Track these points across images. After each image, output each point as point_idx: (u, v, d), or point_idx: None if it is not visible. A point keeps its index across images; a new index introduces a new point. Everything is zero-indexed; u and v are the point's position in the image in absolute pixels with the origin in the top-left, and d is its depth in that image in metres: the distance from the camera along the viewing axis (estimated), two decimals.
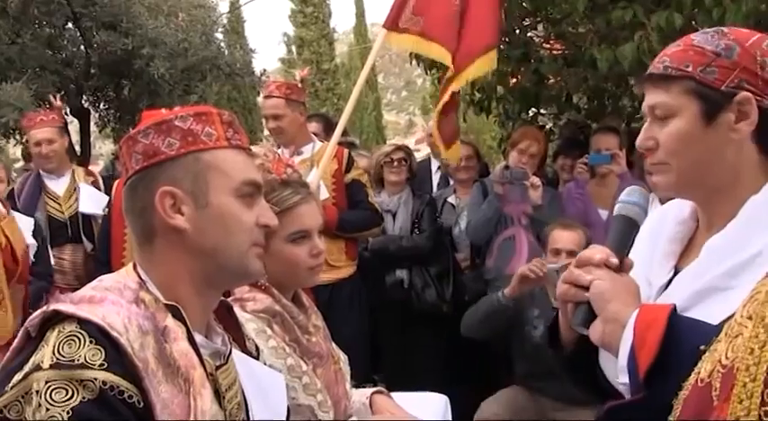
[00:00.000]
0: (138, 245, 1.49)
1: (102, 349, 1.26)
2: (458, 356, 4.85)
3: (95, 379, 1.23)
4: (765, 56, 1.50)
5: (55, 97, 5.95)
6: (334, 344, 2.47)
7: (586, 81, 5.90)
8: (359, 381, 3.00)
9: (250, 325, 2.12)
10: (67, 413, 1.20)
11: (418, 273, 5.06)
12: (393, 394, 2.59)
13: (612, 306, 1.44)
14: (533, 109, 6.75)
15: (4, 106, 7.52)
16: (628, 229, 1.61)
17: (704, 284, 1.50)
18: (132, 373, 1.27)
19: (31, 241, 4.07)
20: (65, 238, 5.11)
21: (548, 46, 6.39)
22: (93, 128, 10.97)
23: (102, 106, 10.60)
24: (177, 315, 1.41)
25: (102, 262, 4.61)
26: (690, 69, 1.52)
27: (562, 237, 3.97)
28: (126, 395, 1.25)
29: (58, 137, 5.16)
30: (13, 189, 5.35)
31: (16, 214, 4.65)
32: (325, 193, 4.50)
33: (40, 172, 5.26)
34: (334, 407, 2.24)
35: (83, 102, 10.24)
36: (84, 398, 1.21)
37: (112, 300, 1.35)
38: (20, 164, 10.10)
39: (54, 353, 1.25)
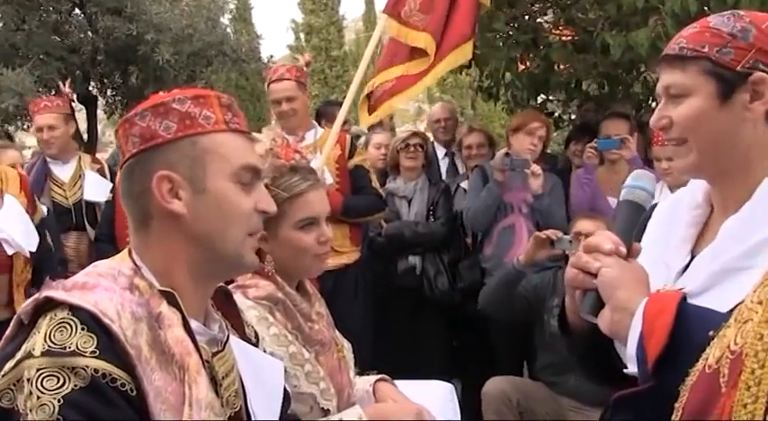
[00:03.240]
0: (134, 229, 1.46)
1: (93, 336, 1.24)
2: (466, 345, 4.84)
3: (87, 366, 1.21)
4: None
5: (64, 83, 5.91)
6: (337, 332, 2.45)
7: (596, 67, 5.84)
8: (364, 368, 2.98)
9: (251, 312, 2.10)
10: (59, 401, 1.19)
11: (431, 260, 5.06)
12: (398, 382, 2.57)
13: (621, 294, 1.42)
14: (542, 96, 6.69)
15: (5, 92, 7.50)
16: (635, 215, 1.59)
17: (721, 266, 1.51)
18: (125, 361, 1.25)
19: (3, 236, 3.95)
20: (69, 225, 5.08)
21: (557, 32, 6.33)
22: (101, 114, 10.98)
23: (109, 93, 10.60)
24: (172, 301, 1.39)
25: (103, 249, 4.59)
26: (706, 50, 1.55)
27: (584, 224, 3.95)
28: (119, 383, 1.23)
29: (61, 123, 5.12)
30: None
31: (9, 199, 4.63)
32: (329, 179, 4.50)
33: (47, 158, 5.24)
34: (337, 395, 2.22)
35: (90, 88, 10.24)
36: (75, 385, 1.20)
37: (105, 286, 1.34)
38: (27, 150, 10.10)
39: (46, 341, 1.23)
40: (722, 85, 1.54)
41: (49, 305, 1.29)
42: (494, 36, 5.89)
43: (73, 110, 5.21)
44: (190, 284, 1.45)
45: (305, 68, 4.77)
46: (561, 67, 6.21)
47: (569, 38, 6.08)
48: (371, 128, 6.15)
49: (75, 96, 9.73)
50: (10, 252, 3.79)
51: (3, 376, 1.24)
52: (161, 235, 1.43)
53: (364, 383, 2.42)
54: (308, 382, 2.12)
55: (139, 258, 1.44)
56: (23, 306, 1.32)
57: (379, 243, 5.15)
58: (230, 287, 2.19)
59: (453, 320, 4.99)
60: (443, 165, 6.16)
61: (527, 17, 6.10)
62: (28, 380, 1.21)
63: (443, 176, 5.99)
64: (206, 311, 1.53)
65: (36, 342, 1.24)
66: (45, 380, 1.20)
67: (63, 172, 5.21)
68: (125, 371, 1.24)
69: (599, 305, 1.47)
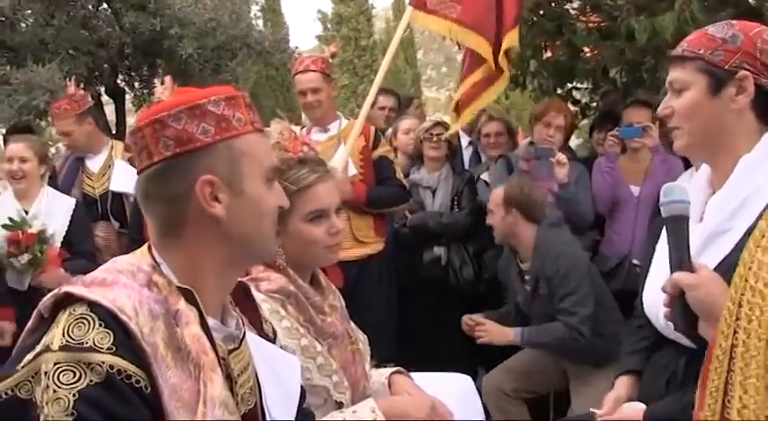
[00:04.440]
0: (158, 230, 1.46)
1: (110, 332, 1.26)
2: None
3: (103, 362, 1.23)
4: (765, 44, 1.90)
5: (82, 81, 5.92)
6: (353, 324, 2.45)
7: (623, 54, 5.77)
8: (387, 359, 2.99)
9: (264, 305, 2.11)
10: (74, 396, 1.21)
11: (456, 250, 5.05)
12: (417, 374, 2.57)
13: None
14: (568, 83, 6.62)
15: (36, 89, 7.60)
16: (683, 228, 1.69)
17: (708, 232, 1.94)
18: (141, 358, 1.27)
19: None
20: (96, 216, 5.14)
21: (584, 18, 6.27)
22: (129, 107, 11.08)
23: (137, 86, 10.68)
24: (190, 298, 1.41)
25: (134, 239, 4.64)
26: (701, 52, 1.95)
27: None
28: (133, 379, 1.25)
29: (74, 126, 5.13)
30: (54, 167, 5.40)
31: (51, 191, 4.71)
32: (352, 170, 4.52)
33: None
34: (351, 388, 2.23)
35: (118, 81, 10.34)
36: (91, 381, 1.22)
37: (124, 282, 1.35)
38: (60, 144, 10.23)
39: (64, 335, 1.25)
40: (713, 80, 1.93)
41: (69, 300, 1.31)
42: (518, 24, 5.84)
43: (87, 105, 5.20)
44: (212, 281, 1.46)
45: (330, 59, 4.78)
46: (588, 54, 6.15)
47: (595, 24, 6.01)
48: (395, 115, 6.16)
49: (102, 90, 9.83)
50: None
51: (22, 368, 1.26)
52: (193, 236, 1.43)
53: (380, 376, 2.42)
54: (321, 375, 2.13)
55: (159, 255, 1.45)
56: (44, 300, 1.34)
57: (403, 234, 5.16)
58: (243, 280, 2.22)
59: (478, 310, 4.98)
60: (467, 154, 6.15)
61: (552, 4, 6.04)
62: (45, 373, 1.23)
63: (467, 165, 5.97)
64: (223, 307, 1.54)
65: (55, 336, 1.26)
66: (62, 374, 1.22)
67: (93, 163, 5.26)
68: (140, 369, 1.26)
69: (691, 317, 1.62)
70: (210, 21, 9.10)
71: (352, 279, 4.44)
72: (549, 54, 6.10)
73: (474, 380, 3.31)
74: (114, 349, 1.24)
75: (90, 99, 5.50)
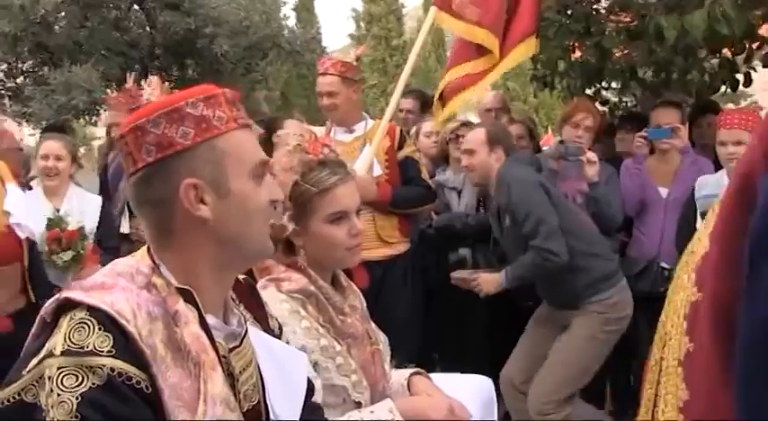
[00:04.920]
0: (152, 234, 1.47)
1: (110, 336, 1.28)
2: (513, 338, 4.81)
3: (104, 365, 1.26)
4: None
5: (125, 78, 6.05)
6: (373, 325, 2.47)
7: (652, 53, 5.72)
8: (410, 359, 3.00)
9: (284, 305, 2.14)
10: (77, 399, 1.24)
11: (482, 251, 5.03)
12: (437, 375, 2.58)
13: None
14: (597, 84, 6.58)
15: (75, 88, 7.74)
16: None
17: None
18: (140, 360, 1.29)
19: (18, 221, 3.83)
20: None
21: (614, 18, 6.22)
22: None
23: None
24: (189, 298, 1.42)
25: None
26: None
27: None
28: (134, 381, 1.28)
29: (124, 119, 5.23)
30: (106, 162, 5.59)
31: (78, 190, 4.78)
32: (378, 170, 4.54)
33: None
34: (371, 388, 2.24)
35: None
36: (93, 384, 1.25)
37: (123, 286, 1.37)
38: (97, 141, 10.41)
39: (65, 340, 1.28)
40: None
41: (69, 305, 1.34)
42: (546, 25, 5.82)
43: (142, 103, 5.30)
44: (210, 281, 1.47)
45: (355, 62, 4.78)
46: (618, 54, 6.11)
47: (625, 24, 5.97)
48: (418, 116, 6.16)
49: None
50: (23, 236, 3.81)
51: (27, 373, 1.29)
52: (185, 239, 1.45)
53: (400, 376, 2.44)
54: (340, 375, 2.15)
55: (158, 257, 1.47)
56: (46, 305, 1.37)
57: (429, 235, 5.16)
58: (264, 280, 2.25)
59: (503, 313, 4.97)
60: None
61: (582, 4, 6.01)
62: (49, 378, 1.26)
63: None
64: (225, 305, 1.55)
65: (57, 341, 1.29)
66: (64, 378, 1.25)
67: None
68: (140, 370, 1.29)
69: None
70: (243, 20, 9.17)
71: (376, 279, 4.46)
72: (577, 55, 6.06)
73: (496, 381, 3.31)
74: (114, 352, 1.27)
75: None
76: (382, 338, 2.48)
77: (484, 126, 4.22)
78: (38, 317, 1.38)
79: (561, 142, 4.72)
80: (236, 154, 1.45)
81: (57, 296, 1.36)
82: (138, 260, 1.46)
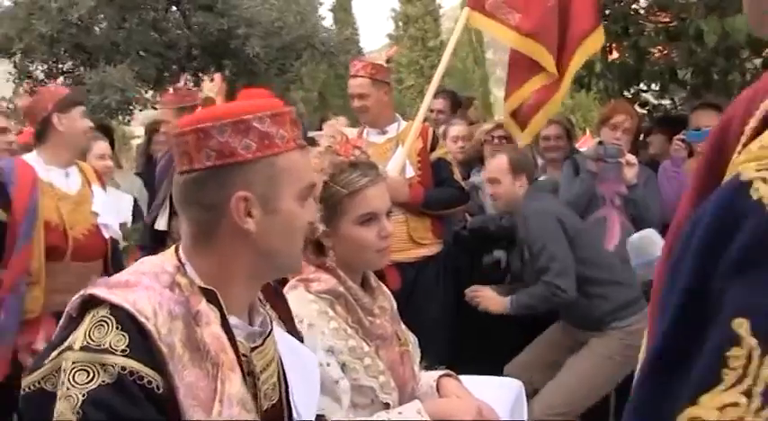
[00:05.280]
0: (191, 234, 1.50)
1: (126, 335, 1.31)
2: None
3: (115, 364, 1.29)
4: None
5: (161, 78, 6.16)
6: (403, 326, 2.47)
7: (692, 54, 5.65)
8: (440, 362, 2.99)
9: (312, 306, 2.15)
10: (83, 396, 1.27)
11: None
12: (467, 377, 2.57)
13: None
14: (635, 86, 6.52)
15: (108, 88, 7.86)
16: None
17: None
18: (156, 359, 1.32)
19: (108, 221, 3.99)
20: None
21: (653, 18, 6.16)
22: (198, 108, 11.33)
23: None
24: (212, 299, 1.45)
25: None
26: None
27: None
28: (145, 380, 1.30)
29: (172, 117, 5.27)
30: (154, 157, 5.77)
31: (111, 189, 4.86)
32: (410, 172, 4.54)
33: None
34: (399, 389, 2.24)
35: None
36: (103, 381, 1.28)
37: (146, 284, 1.40)
38: (136, 140, 10.56)
39: (85, 337, 1.32)
40: None
41: (94, 301, 1.37)
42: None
43: (191, 102, 5.40)
44: (240, 287, 1.51)
45: (386, 64, 4.79)
46: (657, 54, 6.05)
47: (664, 24, 5.91)
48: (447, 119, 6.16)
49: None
50: (107, 235, 3.95)
51: (48, 362, 1.34)
52: (225, 246, 1.47)
53: (429, 378, 2.44)
54: (368, 376, 2.16)
55: (186, 256, 1.49)
56: (72, 300, 1.41)
57: (463, 236, 5.15)
58: (294, 280, 2.26)
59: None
60: None
61: (620, 3, 5.96)
62: (64, 370, 1.30)
63: None
64: (251, 307, 1.58)
65: (78, 336, 1.33)
66: (77, 373, 1.29)
67: None
68: (154, 370, 1.32)
69: None
70: (277, 20, 9.26)
71: (408, 281, 4.48)
72: (615, 55, 6.01)
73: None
74: (128, 351, 1.30)
75: (197, 97, 5.67)
76: (412, 339, 2.49)
77: (506, 153, 4.21)
78: (65, 312, 1.42)
79: (600, 143, 4.69)
80: (290, 174, 1.48)
81: (82, 292, 1.40)
82: (165, 259, 1.49)
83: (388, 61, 4.82)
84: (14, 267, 3.55)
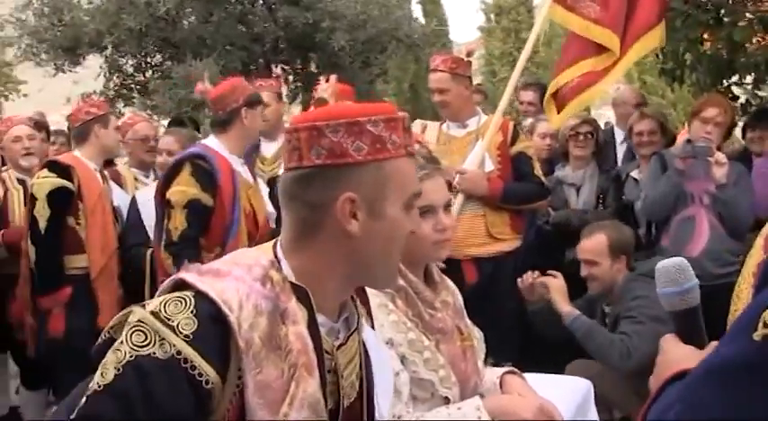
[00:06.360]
0: (292, 230, 1.51)
1: (196, 321, 1.34)
2: None
3: (174, 345, 1.31)
4: None
5: (248, 71, 6.30)
6: (468, 321, 2.50)
7: None
8: (511, 357, 3.01)
9: (373, 299, 2.19)
10: (131, 356, 1.31)
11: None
12: (536, 375, 2.58)
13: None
14: (727, 78, 6.33)
15: (194, 82, 8.08)
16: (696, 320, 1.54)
17: None
18: (224, 353, 1.34)
19: (270, 210, 4.42)
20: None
21: (752, 6, 5.97)
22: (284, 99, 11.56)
23: (291, 79, 11.13)
24: (303, 297, 1.46)
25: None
26: None
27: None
28: (197, 371, 1.32)
29: (273, 101, 5.45)
30: None
31: None
32: (489, 166, 4.58)
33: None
34: (461, 384, 2.27)
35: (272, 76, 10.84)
36: (153, 353, 1.31)
37: (236, 275, 1.42)
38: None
39: (161, 305, 1.36)
40: None
41: (184, 286, 1.41)
42: (672, 15, 5.65)
43: (280, 91, 5.61)
44: (333, 289, 1.53)
45: (466, 58, 4.82)
46: (753, 45, 5.86)
47: (763, 13, 5.72)
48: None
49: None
50: (272, 224, 4.31)
51: (121, 315, 1.41)
52: (325, 246, 1.48)
53: (493, 375, 2.45)
54: (427, 369, 2.19)
55: (283, 252, 1.51)
56: (163, 284, 1.47)
57: (545, 231, 5.14)
58: None
59: None
60: (621, 149, 6.03)
61: None
62: (128, 323, 1.36)
63: (620, 162, 5.86)
64: (342, 304, 1.60)
65: (155, 301, 1.38)
66: (136, 333, 1.33)
67: (268, 148, 5.51)
68: (212, 363, 1.33)
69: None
70: (361, 14, 9.37)
71: (486, 275, 4.51)
72: (708, 45, 5.86)
73: None
74: (191, 338, 1.32)
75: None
76: (477, 335, 2.51)
77: (605, 233, 4.09)
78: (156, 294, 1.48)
79: (689, 141, 4.60)
80: (398, 180, 1.49)
81: (174, 276, 1.45)
82: (261, 253, 1.51)
83: (468, 55, 4.86)
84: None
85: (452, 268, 4.40)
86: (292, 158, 1.47)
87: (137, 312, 1.36)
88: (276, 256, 1.49)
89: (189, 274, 1.41)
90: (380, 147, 1.45)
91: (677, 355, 1.43)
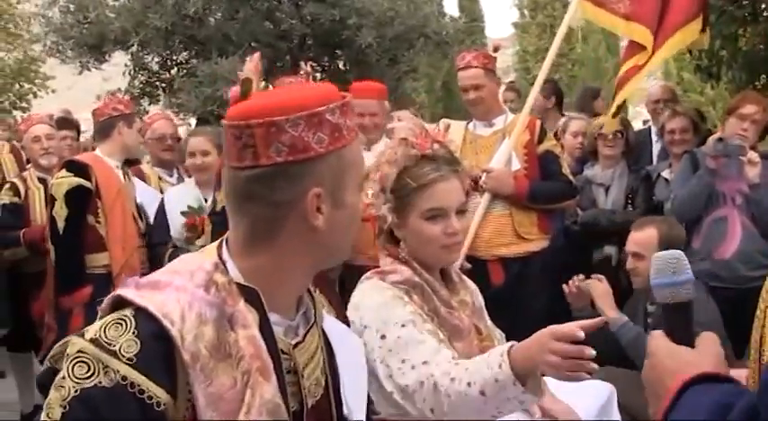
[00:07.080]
0: (248, 231, 1.43)
1: (138, 342, 1.28)
2: None
3: (118, 371, 1.26)
4: None
5: (299, 66, 6.32)
6: (488, 321, 2.52)
7: None
8: None
9: (387, 292, 2.24)
10: (75, 391, 1.26)
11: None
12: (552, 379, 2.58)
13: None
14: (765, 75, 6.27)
15: (219, 80, 8.17)
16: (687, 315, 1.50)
17: None
18: (171, 370, 1.29)
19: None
20: None
21: None
22: None
23: (319, 77, 11.18)
24: (252, 298, 1.41)
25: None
26: None
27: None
28: (146, 395, 1.27)
29: None
30: None
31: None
32: (516, 164, 4.57)
33: None
34: None
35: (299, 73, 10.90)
36: (99, 382, 1.26)
37: (177, 285, 1.36)
38: None
39: (100, 330, 1.31)
40: None
41: (123, 303, 1.35)
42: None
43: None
44: (291, 284, 1.49)
45: (494, 54, 4.83)
46: None
47: None
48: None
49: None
50: None
51: (60, 344, 1.37)
52: (287, 245, 1.43)
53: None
54: None
55: (231, 254, 1.45)
56: (104, 301, 1.38)
57: (573, 231, 5.14)
58: (370, 272, 2.36)
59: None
60: (656, 148, 6.01)
61: None
62: (68, 355, 1.30)
63: (654, 160, 5.84)
64: (298, 301, 1.55)
65: (95, 327, 1.32)
66: (78, 365, 1.28)
67: None
68: (160, 384, 1.28)
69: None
70: (389, 11, 9.39)
71: (513, 274, 4.51)
72: (743, 43, 5.82)
73: None
74: (135, 360, 1.27)
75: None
76: (498, 335, 2.53)
77: (656, 226, 3.96)
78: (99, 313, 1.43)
79: (720, 139, 4.57)
80: (355, 165, 1.47)
81: (112, 294, 1.39)
82: (204, 256, 1.46)
83: (495, 50, 4.88)
84: None
85: (478, 268, 4.45)
86: (244, 157, 1.38)
87: (76, 343, 1.31)
88: (221, 258, 1.44)
89: (127, 290, 1.36)
90: (338, 136, 1.41)
91: (675, 359, 1.40)
